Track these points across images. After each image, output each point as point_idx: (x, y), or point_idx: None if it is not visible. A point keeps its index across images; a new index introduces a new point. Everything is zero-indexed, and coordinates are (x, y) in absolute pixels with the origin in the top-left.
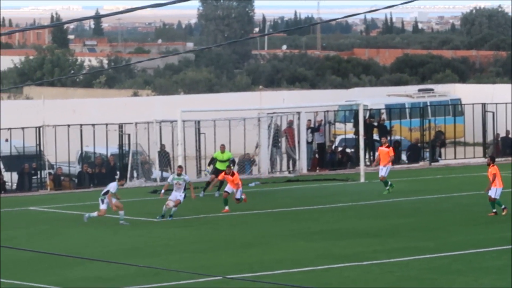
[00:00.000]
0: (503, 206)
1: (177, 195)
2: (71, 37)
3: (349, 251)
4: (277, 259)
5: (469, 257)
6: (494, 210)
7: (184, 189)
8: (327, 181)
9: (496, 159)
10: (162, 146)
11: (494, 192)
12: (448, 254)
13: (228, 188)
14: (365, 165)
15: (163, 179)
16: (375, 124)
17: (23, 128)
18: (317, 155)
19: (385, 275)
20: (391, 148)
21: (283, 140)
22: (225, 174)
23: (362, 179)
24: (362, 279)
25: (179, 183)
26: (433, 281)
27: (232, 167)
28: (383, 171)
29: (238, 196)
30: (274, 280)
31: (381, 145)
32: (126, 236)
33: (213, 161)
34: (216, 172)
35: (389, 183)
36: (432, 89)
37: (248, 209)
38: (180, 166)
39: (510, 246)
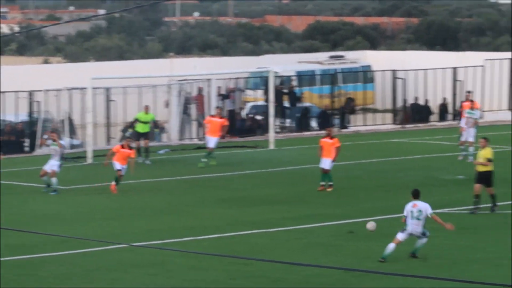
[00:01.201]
0: (330, 183)
1: (52, 163)
2: None
3: (257, 218)
4: (187, 226)
5: (376, 224)
6: (330, 183)
7: (62, 158)
8: (237, 148)
9: (406, 126)
10: (66, 114)
11: (329, 164)
12: (356, 221)
13: (119, 165)
14: (275, 132)
15: (73, 147)
16: (286, 91)
17: None
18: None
19: (292, 241)
20: (223, 120)
21: (193, 107)
22: (121, 147)
23: (271, 146)
24: (269, 245)
25: (54, 150)
26: (339, 248)
27: (155, 130)
28: (212, 142)
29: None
30: (181, 247)
31: (213, 116)
32: (36, 204)
33: (134, 122)
34: (137, 135)
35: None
36: (342, 56)
37: (159, 176)
38: (52, 131)
39: None
